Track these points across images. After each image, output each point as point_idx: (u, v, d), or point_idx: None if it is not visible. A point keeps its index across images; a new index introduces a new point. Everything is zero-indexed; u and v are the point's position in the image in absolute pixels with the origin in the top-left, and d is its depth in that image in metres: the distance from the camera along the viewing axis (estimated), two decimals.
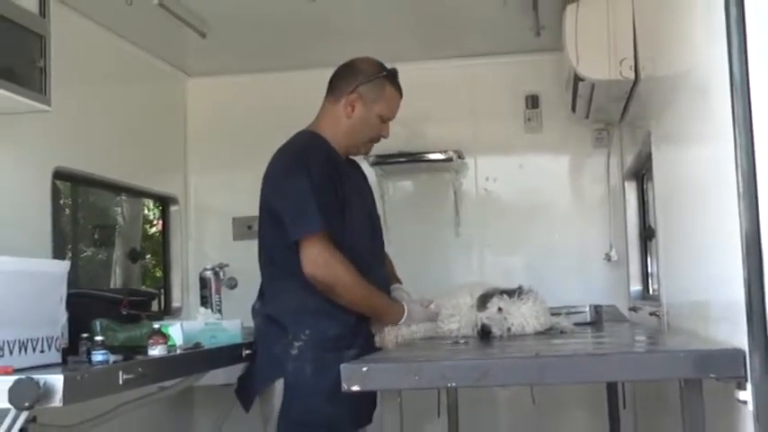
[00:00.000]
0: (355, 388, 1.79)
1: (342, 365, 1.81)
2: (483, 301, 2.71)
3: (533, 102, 4.54)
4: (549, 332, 2.68)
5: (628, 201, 4.35)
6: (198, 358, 2.79)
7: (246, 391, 3.00)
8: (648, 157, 3.19)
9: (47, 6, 2.88)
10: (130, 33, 4.01)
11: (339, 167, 3.00)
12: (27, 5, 2.80)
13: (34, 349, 2.24)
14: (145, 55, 4.27)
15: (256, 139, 3.81)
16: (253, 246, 3.07)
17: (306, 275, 2.82)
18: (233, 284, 4.15)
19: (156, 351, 2.54)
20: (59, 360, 2.34)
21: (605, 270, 4.42)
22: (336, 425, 2.85)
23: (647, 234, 4.15)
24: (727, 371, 1.67)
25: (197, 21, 3.83)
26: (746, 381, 1.62)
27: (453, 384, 2.41)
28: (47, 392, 1.95)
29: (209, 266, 3.73)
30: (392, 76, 3.08)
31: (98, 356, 2.26)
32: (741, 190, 1.60)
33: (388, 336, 2.86)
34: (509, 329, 2.64)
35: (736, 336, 1.67)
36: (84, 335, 2.45)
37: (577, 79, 3.61)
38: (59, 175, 3.55)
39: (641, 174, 4.15)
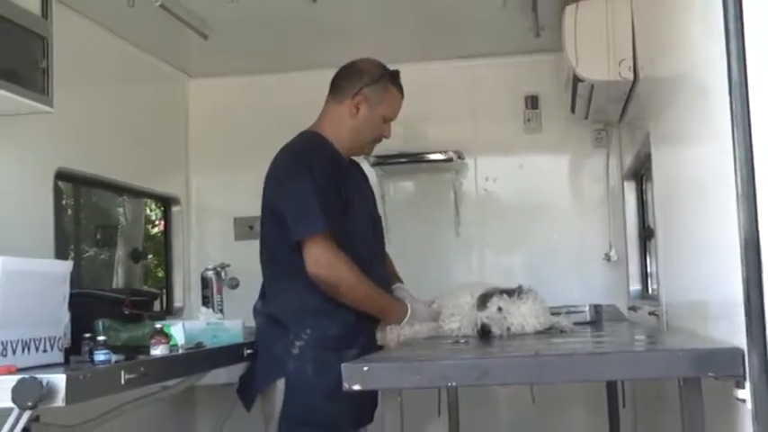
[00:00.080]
0: (356, 387, 1.80)
1: (343, 365, 1.82)
2: (483, 300, 2.72)
3: (533, 102, 4.54)
4: (548, 331, 2.69)
5: (627, 201, 4.35)
6: (199, 358, 2.79)
7: (248, 391, 3.00)
8: (647, 158, 3.19)
9: (49, 8, 2.88)
10: (132, 35, 4.01)
11: (342, 168, 3.01)
12: (29, 7, 2.80)
13: (37, 349, 2.25)
14: (146, 56, 4.27)
15: (258, 140, 3.82)
16: (254, 246, 3.08)
17: (309, 275, 2.82)
18: (234, 284, 4.16)
19: (158, 351, 2.55)
20: (62, 360, 2.34)
21: (605, 270, 4.42)
22: (337, 424, 2.86)
23: (646, 234, 4.15)
24: (726, 370, 1.68)
25: (198, 22, 3.83)
26: (745, 379, 1.63)
27: (454, 383, 2.41)
28: (49, 392, 1.96)
29: (210, 266, 3.74)
30: (395, 77, 3.09)
31: (100, 356, 2.27)
32: (740, 190, 1.60)
33: (391, 334, 2.87)
34: (509, 329, 2.64)
35: (735, 335, 1.68)
36: (87, 335, 2.45)
37: (577, 80, 3.61)
38: (62, 175, 3.55)
39: (640, 174, 4.15)
